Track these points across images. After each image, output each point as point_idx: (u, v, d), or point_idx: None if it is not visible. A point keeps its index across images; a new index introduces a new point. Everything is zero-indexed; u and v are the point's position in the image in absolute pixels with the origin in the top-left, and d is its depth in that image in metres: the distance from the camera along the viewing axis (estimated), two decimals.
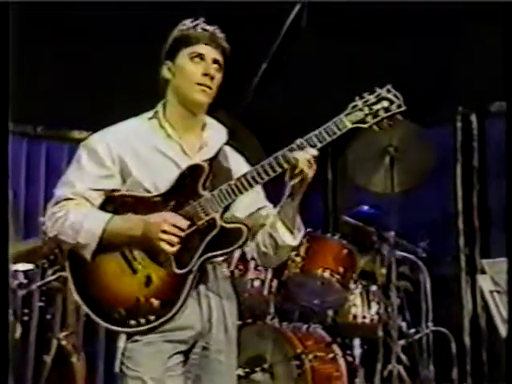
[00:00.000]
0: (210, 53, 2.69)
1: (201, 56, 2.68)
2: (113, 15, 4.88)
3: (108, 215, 2.58)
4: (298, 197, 2.63)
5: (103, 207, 2.62)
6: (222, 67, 2.72)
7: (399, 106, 2.58)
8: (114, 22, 4.95)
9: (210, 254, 2.56)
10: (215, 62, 2.69)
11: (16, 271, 4.58)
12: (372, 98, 2.59)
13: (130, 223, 2.56)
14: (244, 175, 2.58)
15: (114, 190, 2.64)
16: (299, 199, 2.64)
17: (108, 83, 5.27)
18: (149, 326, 2.52)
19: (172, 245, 2.51)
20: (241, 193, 2.57)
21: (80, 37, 5.05)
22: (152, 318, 2.52)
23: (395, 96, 2.59)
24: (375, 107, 2.58)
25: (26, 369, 4.66)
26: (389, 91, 2.60)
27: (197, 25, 2.70)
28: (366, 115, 2.58)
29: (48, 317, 4.76)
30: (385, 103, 2.58)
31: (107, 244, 2.55)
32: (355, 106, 2.58)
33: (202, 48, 2.68)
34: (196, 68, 2.67)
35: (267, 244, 2.71)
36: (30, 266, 4.68)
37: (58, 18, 4.89)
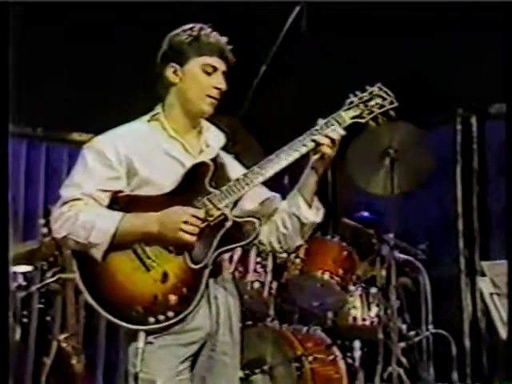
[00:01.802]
0: (222, 66, 2.72)
1: (214, 68, 2.70)
2: (113, 16, 4.88)
3: (120, 214, 2.58)
4: (318, 173, 2.69)
5: (110, 208, 2.63)
6: (225, 78, 2.75)
7: (391, 103, 2.72)
8: (114, 22, 4.95)
9: (224, 248, 2.59)
10: (224, 74, 2.73)
11: (15, 273, 4.58)
12: (366, 95, 2.72)
13: (143, 220, 2.56)
14: (250, 170, 2.64)
15: (120, 191, 2.65)
16: (320, 175, 2.70)
17: (108, 85, 5.27)
18: (168, 322, 2.53)
19: (192, 235, 2.52)
20: (248, 187, 2.62)
21: (80, 37, 5.05)
22: (171, 314, 2.53)
23: (386, 93, 2.73)
24: (370, 104, 2.71)
25: (26, 371, 4.66)
26: (380, 89, 2.73)
27: (209, 33, 2.71)
28: (363, 111, 2.70)
29: (47, 319, 4.76)
30: (378, 100, 2.71)
31: (119, 243, 2.55)
32: (352, 103, 2.71)
33: (215, 61, 2.71)
34: (208, 80, 2.70)
35: (287, 224, 2.75)
36: (29, 268, 4.68)
37: (58, 18, 4.89)
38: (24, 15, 3.67)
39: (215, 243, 2.57)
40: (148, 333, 2.53)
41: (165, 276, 2.55)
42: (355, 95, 2.71)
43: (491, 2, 4.24)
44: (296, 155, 2.63)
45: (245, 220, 2.62)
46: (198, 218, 2.53)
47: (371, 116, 2.70)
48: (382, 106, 2.70)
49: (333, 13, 4.66)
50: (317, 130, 2.64)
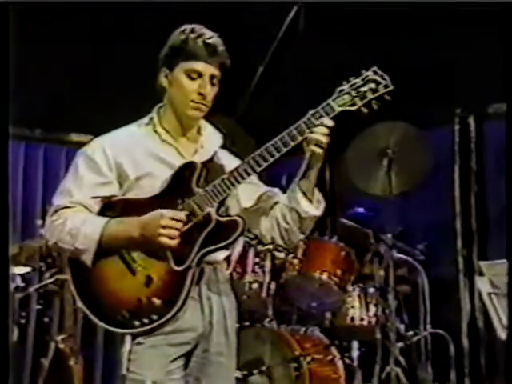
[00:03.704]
0: (208, 70, 2.67)
1: (198, 73, 2.66)
2: (113, 17, 4.88)
3: (105, 219, 2.59)
4: (314, 168, 2.63)
5: (102, 214, 2.64)
6: (218, 80, 2.71)
7: (386, 86, 2.57)
8: (114, 23, 4.95)
9: (207, 249, 2.57)
10: (212, 77, 2.68)
11: (13, 274, 4.58)
12: (359, 81, 2.58)
13: (126, 225, 2.57)
14: (236, 168, 2.59)
15: (111, 197, 2.66)
16: (317, 171, 2.64)
17: (107, 86, 5.28)
18: (152, 325, 2.54)
19: (172, 238, 2.51)
20: (233, 186, 2.59)
21: (80, 38, 5.05)
22: (155, 317, 2.54)
23: (381, 77, 2.58)
24: (362, 89, 2.57)
25: (24, 372, 4.66)
26: (375, 73, 2.59)
27: (199, 36, 2.66)
28: (354, 97, 2.56)
29: (45, 320, 4.77)
30: (372, 85, 2.57)
31: (106, 248, 2.57)
32: (342, 91, 2.58)
33: (200, 65, 2.66)
34: (192, 85, 2.66)
35: (288, 219, 2.71)
36: (27, 269, 4.68)
37: (58, 18, 4.89)
38: (24, 15, 3.66)
39: (198, 244, 2.56)
40: (135, 335, 2.55)
41: (149, 279, 2.56)
42: (348, 81, 2.59)
43: (491, 1, 4.24)
44: (283, 150, 2.55)
45: (228, 219, 2.60)
46: (177, 220, 2.52)
47: (363, 102, 2.56)
48: (375, 91, 2.56)
49: (331, 13, 4.66)
50: (305, 122, 2.55)
